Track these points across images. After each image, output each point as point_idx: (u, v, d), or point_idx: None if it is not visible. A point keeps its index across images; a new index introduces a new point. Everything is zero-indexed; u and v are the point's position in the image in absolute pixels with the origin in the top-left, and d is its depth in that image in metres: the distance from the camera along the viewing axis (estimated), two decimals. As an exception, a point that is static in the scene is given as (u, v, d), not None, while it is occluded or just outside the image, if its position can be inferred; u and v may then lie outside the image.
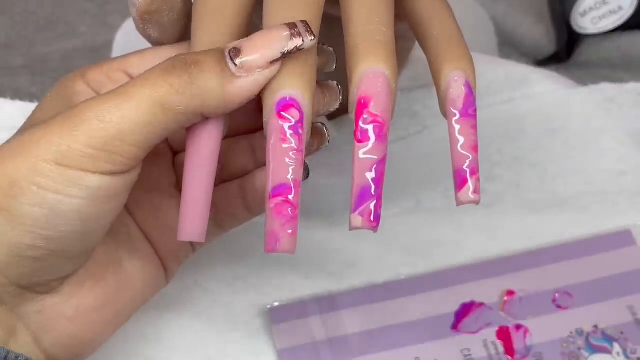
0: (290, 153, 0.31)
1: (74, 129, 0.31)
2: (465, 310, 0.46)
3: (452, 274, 0.48)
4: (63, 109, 0.33)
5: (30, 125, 0.35)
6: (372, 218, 0.31)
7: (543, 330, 0.46)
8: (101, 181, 0.32)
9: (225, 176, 0.39)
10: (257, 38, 0.32)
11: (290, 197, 0.30)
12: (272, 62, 0.32)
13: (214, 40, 0.34)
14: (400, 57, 0.34)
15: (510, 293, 0.47)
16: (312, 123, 0.35)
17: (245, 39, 0.32)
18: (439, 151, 0.51)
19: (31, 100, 0.51)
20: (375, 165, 0.31)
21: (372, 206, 0.31)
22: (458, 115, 0.33)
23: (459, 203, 0.33)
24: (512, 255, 0.48)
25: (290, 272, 0.48)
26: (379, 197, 0.31)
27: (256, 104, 0.33)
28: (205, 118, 0.33)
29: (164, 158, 0.39)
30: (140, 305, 0.39)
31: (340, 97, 0.37)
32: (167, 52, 0.37)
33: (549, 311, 0.46)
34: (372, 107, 0.31)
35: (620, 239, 0.49)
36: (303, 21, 0.32)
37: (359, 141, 0.31)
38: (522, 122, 0.52)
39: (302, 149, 0.31)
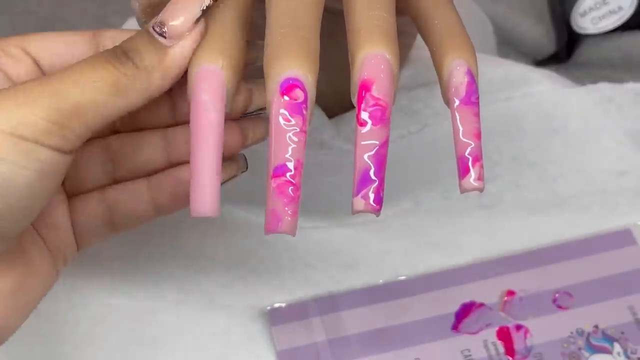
0: (293, 133, 0.31)
1: (31, 101, 0.31)
2: (466, 310, 0.46)
3: (452, 274, 0.47)
4: None
5: None
6: (373, 201, 0.31)
7: (543, 330, 0.45)
8: (52, 156, 0.32)
9: (129, 172, 0.39)
10: (173, 3, 0.33)
11: (292, 176, 0.30)
12: (196, 21, 0.33)
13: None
14: (401, 53, 0.34)
15: (511, 293, 0.47)
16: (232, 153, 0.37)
17: (164, 8, 0.34)
18: (439, 150, 0.50)
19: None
20: (377, 149, 0.31)
21: (374, 189, 0.31)
22: (460, 103, 0.33)
23: (463, 190, 0.33)
24: (512, 255, 0.48)
25: (290, 274, 0.47)
26: (381, 180, 0.31)
27: (170, 98, 0.36)
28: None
29: None
30: (43, 294, 0.38)
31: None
32: (69, 37, 0.37)
33: (549, 311, 0.46)
34: (374, 91, 0.31)
35: (621, 238, 0.49)
36: None
37: (361, 125, 0.31)
38: (521, 122, 0.52)
39: (305, 130, 0.31)
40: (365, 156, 0.31)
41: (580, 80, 0.56)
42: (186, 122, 0.36)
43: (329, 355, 0.45)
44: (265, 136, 0.39)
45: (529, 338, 0.45)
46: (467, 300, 0.46)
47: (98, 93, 0.32)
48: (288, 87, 0.31)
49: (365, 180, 0.31)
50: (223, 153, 0.33)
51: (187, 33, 0.33)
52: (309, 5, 0.33)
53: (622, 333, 0.45)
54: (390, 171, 0.33)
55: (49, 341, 0.45)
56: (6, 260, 0.35)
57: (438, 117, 0.51)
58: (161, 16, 0.34)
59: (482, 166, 0.32)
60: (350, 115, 0.52)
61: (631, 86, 0.53)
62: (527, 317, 0.46)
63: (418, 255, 0.48)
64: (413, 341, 0.45)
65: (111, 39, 0.37)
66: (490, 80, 0.53)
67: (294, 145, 0.30)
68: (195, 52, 0.34)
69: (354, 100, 0.32)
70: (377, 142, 0.31)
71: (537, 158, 0.51)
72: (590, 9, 0.58)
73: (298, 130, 0.31)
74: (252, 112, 0.38)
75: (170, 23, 0.33)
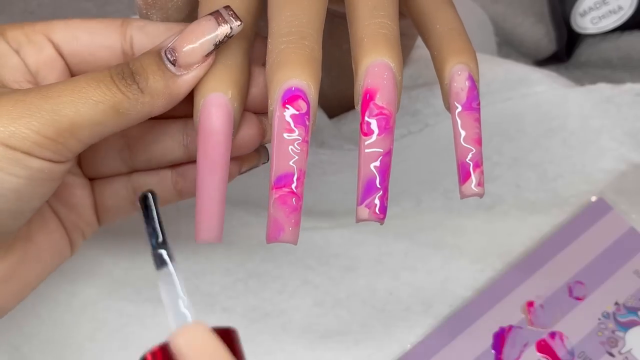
0: (296, 144, 0.31)
1: (27, 114, 0.32)
2: (500, 340, 0.46)
3: (468, 311, 0.47)
4: None
5: None
6: (378, 210, 0.31)
7: (575, 327, 0.46)
8: (42, 165, 0.32)
9: (147, 161, 0.40)
10: (188, 34, 0.34)
11: (295, 187, 0.30)
12: (207, 55, 0.33)
13: None
14: (402, 54, 0.34)
15: (530, 304, 0.47)
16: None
17: (178, 36, 0.34)
18: (440, 150, 0.50)
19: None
20: (381, 158, 0.31)
21: (378, 198, 0.31)
22: (461, 109, 0.33)
23: (463, 196, 0.33)
24: (513, 267, 0.48)
25: (290, 276, 0.47)
26: (385, 190, 0.31)
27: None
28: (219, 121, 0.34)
29: None
30: (45, 276, 0.39)
31: None
32: (95, 25, 0.37)
33: (571, 306, 0.46)
34: (378, 100, 0.31)
35: (597, 209, 0.49)
36: (227, 7, 0.34)
37: (365, 134, 0.31)
38: (521, 122, 0.52)
39: (307, 140, 0.31)
40: (370, 165, 0.31)
41: (580, 80, 0.56)
42: None
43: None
44: None
45: (566, 341, 0.45)
46: (495, 328, 0.46)
47: (98, 113, 0.32)
48: (291, 97, 0.31)
49: (369, 190, 0.31)
50: (243, 149, 0.34)
51: (197, 65, 0.33)
52: (312, 14, 0.33)
53: (640, 300, 0.46)
54: (391, 171, 0.33)
55: (49, 344, 0.45)
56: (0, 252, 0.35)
57: (439, 117, 0.51)
58: (174, 42, 0.34)
59: (482, 172, 0.33)
60: (351, 115, 0.52)
61: (630, 86, 0.53)
62: (556, 321, 0.46)
63: (418, 256, 0.48)
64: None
65: (139, 29, 0.37)
66: (490, 80, 0.53)
67: (296, 157, 0.31)
68: (203, 79, 0.34)
69: (358, 109, 0.32)
70: (382, 151, 0.31)
71: (537, 158, 0.51)
72: (590, 9, 0.58)
73: (300, 140, 0.31)
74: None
75: (182, 54, 0.33)
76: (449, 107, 0.34)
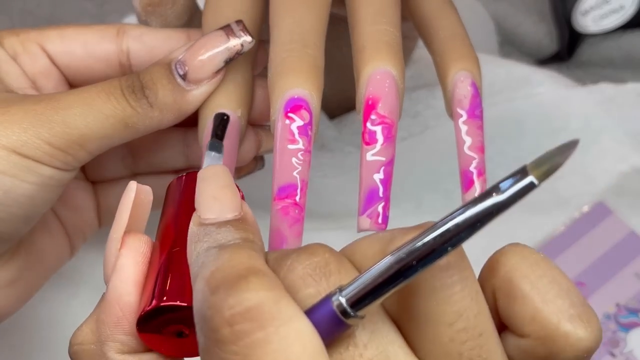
0: (299, 154, 0.30)
1: (38, 125, 0.32)
2: None
3: None
4: None
5: None
6: (380, 220, 0.31)
7: None
8: (53, 172, 0.33)
9: (149, 167, 0.40)
10: (198, 47, 0.33)
11: (297, 198, 0.30)
12: (218, 71, 0.33)
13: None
14: (403, 56, 0.34)
15: None
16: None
17: (188, 49, 0.34)
18: (440, 152, 0.50)
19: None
20: (383, 167, 0.31)
21: (380, 208, 0.31)
22: (465, 116, 0.33)
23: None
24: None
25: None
26: (387, 199, 0.31)
27: None
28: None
29: None
30: (48, 278, 0.39)
31: None
32: (90, 36, 0.37)
33: None
34: (380, 108, 0.31)
35: (597, 213, 0.49)
36: (238, 21, 0.33)
37: (367, 143, 0.31)
38: (522, 123, 0.52)
39: (310, 150, 0.31)
40: (372, 175, 0.31)
41: (582, 80, 0.56)
42: None
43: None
44: None
45: None
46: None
47: (107, 127, 0.32)
48: (293, 107, 0.31)
49: (371, 199, 0.31)
50: (239, 162, 0.35)
51: (207, 80, 0.33)
52: (314, 21, 0.32)
53: None
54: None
55: (49, 345, 0.45)
56: (5, 256, 0.35)
57: (440, 119, 0.51)
58: (184, 55, 0.33)
59: (485, 180, 0.32)
60: (352, 117, 0.52)
61: (632, 86, 0.52)
62: None
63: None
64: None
65: (136, 38, 0.37)
66: (492, 81, 0.52)
67: (299, 167, 0.30)
68: (212, 95, 0.34)
69: (360, 117, 0.32)
70: (384, 160, 0.31)
71: (538, 159, 0.51)
72: (592, 8, 0.58)
73: (303, 150, 0.30)
74: None
75: (191, 68, 0.33)
76: (451, 114, 0.34)
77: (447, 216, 0.23)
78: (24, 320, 0.45)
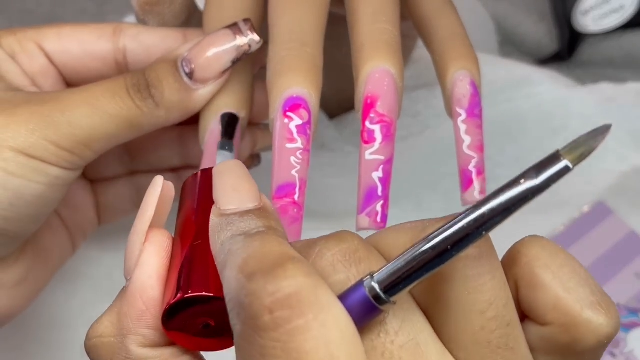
0: (298, 153, 0.30)
1: (44, 126, 0.32)
2: None
3: None
4: None
5: None
6: (379, 219, 0.31)
7: None
8: (60, 172, 0.33)
9: (146, 166, 0.40)
10: (205, 45, 0.33)
11: (296, 197, 0.30)
12: (224, 71, 0.33)
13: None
14: (403, 56, 0.34)
15: None
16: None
17: (195, 47, 0.33)
18: (440, 151, 0.50)
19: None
20: (382, 166, 0.31)
21: (379, 207, 0.31)
22: (464, 116, 0.33)
23: (465, 203, 0.33)
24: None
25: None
26: (386, 198, 0.31)
27: None
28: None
29: None
30: (52, 277, 0.39)
31: None
32: (87, 35, 0.37)
33: None
34: (379, 107, 0.31)
35: (597, 213, 0.49)
36: (247, 20, 0.33)
37: (366, 142, 0.31)
38: (523, 122, 0.52)
39: (309, 149, 0.31)
40: (371, 174, 0.31)
41: (582, 79, 0.55)
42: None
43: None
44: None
45: None
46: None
47: (113, 127, 0.33)
48: (292, 106, 0.31)
49: (370, 198, 0.31)
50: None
51: (213, 80, 0.33)
52: (313, 20, 0.32)
53: None
54: (392, 172, 0.32)
55: (49, 345, 0.45)
56: (12, 256, 0.36)
57: (439, 119, 0.51)
58: (190, 53, 0.33)
59: (484, 179, 0.32)
60: (351, 117, 0.52)
61: (632, 86, 0.52)
62: None
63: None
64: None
65: (133, 38, 0.37)
66: (492, 81, 0.52)
67: (298, 166, 0.30)
68: (218, 95, 0.34)
69: (359, 116, 0.32)
70: (383, 158, 0.31)
71: (538, 159, 0.51)
72: (592, 8, 0.58)
73: (302, 149, 0.30)
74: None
75: (198, 67, 0.33)
76: (451, 113, 0.34)
77: (482, 200, 0.23)
78: (24, 320, 0.45)
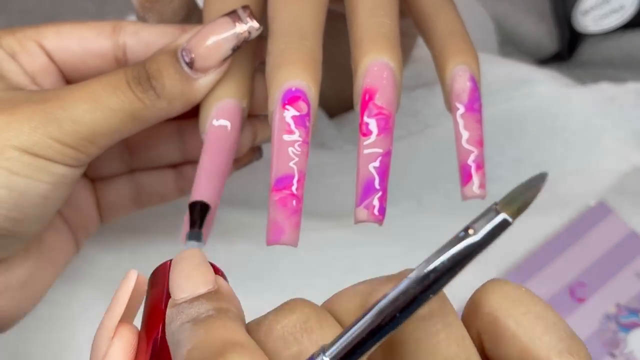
0: (296, 145, 0.30)
1: (46, 123, 0.32)
2: None
3: None
4: None
5: None
6: (377, 211, 0.30)
7: (577, 329, 0.45)
8: (65, 170, 0.33)
9: (146, 162, 0.40)
10: (204, 34, 0.33)
11: (295, 189, 0.30)
12: (225, 59, 0.33)
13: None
14: (402, 54, 0.34)
15: None
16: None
17: (194, 36, 0.33)
18: (440, 151, 0.50)
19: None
20: (380, 158, 0.31)
21: (377, 199, 0.30)
22: (463, 110, 0.33)
23: (465, 198, 0.32)
24: (514, 269, 0.48)
25: (290, 278, 0.47)
26: (384, 190, 0.31)
27: None
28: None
29: None
30: (56, 277, 0.39)
31: None
32: (86, 32, 0.37)
33: (573, 308, 0.46)
34: (378, 99, 0.31)
35: (598, 212, 0.49)
36: (245, 7, 0.33)
37: (364, 134, 0.31)
38: (523, 122, 0.52)
39: (308, 141, 0.31)
40: (369, 166, 0.31)
41: (582, 79, 0.55)
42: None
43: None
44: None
45: None
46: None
47: (115, 121, 0.33)
48: (291, 98, 0.31)
49: (368, 191, 0.30)
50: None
51: (214, 69, 0.33)
52: (312, 14, 0.33)
53: (641, 301, 0.46)
54: (391, 172, 0.32)
55: (49, 346, 0.45)
56: (17, 257, 0.36)
57: (439, 118, 0.51)
58: (190, 42, 0.33)
59: (484, 174, 0.32)
60: (351, 116, 0.52)
61: (632, 86, 0.52)
62: None
63: (419, 257, 0.48)
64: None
65: (132, 34, 0.37)
66: (491, 80, 0.52)
67: (296, 158, 0.30)
68: (219, 85, 0.34)
69: (357, 109, 0.32)
70: (381, 151, 0.31)
71: (538, 158, 0.51)
72: (592, 8, 0.58)
73: (301, 141, 0.30)
74: None
75: (198, 56, 0.33)
76: (450, 108, 0.34)
77: (425, 262, 0.23)
78: (24, 320, 0.45)
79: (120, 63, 0.37)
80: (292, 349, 0.23)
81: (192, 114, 0.35)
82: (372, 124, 0.31)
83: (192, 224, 0.33)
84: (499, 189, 0.49)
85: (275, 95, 0.31)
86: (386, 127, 0.31)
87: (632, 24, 0.58)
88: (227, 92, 0.34)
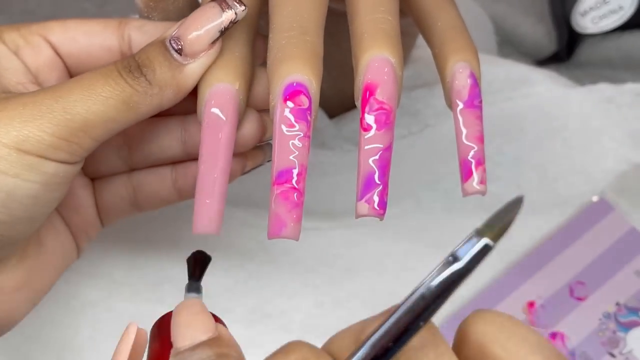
0: (297, 139, 0.30)
1: (38, 116, 0.31)
2: None
3: (469, 311, 0.47)
4: None
5: None
6: (377, 205, 0.30)
7: (576, 328, 0.46)
8: (57, 168, 0.32)
9: (145, 158, 0.39)
10: (192, 21, 0.33)
11: (296, 183, 0.30)
12: (213, 42, 0.33)
13: None
14: (403, 54, 0.34)
15: (531, 304, 0.46)
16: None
17: (182, 24, 0.33)
18: (440, 150, 0.50)
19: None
20: (380, 153, 0.31)
21: (377, 194, 0.30)
22: (463, 106, 0.33)
23: (465, 194, 0.32)
24: (514, 267, 0.48)
25: (290, 277, 0.47)
26: (385, 185, 0.31)
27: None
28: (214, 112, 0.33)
29: None
30: (55, 281, 0.39)
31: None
32: (92, 26, 0.37)
33: (572, 307, 0.46)
34: (379, 94, 0.31)
35: (600, 209, 0.49)
36: None
37: (365, 129, 0.31)
38: (522, 122, 0.52)
39: (309, 135, 0.31)
40: (370, 160, 0.31)
41: (581, 80, 0.56)
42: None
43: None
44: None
45: (567, 341, 0.45)
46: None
47: (108, 109, 0.32)
48: (292, 92, 0.31)
49: (369, 185, 0.31)
50: (243, 145, 0.34)
51: (204, 53, 0.33)
52: (313, 9, 0.33)
53: (640, 300, 0.46)
54: (391, 171, 0.32)
55: (49, 346, 0.45)
56: (12, 260, 0.35)
57: (439, 117, 0.51)
58: (178, 31, 0.33)
59: (484, 170, 0.32)
60: (351, 115, 0.52)
61: (631, 86, 0.53)
62: (557, 322, 0.46)
63: (419, 257, 0.48)
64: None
65: (137, 28, 0.37)
66: (491, 81, 0.53)
67: (297, 152, 0.30)
68: (210, 69, 0.34)
69: (358, 104, 0.32)
70: (382, 146, 0.31)
71: (537, 159, 0.51)
72: (591, 9, 0.58)
73: (302, 135, 0.30)
74: None
75: (187, 42, 0.33)
76: (450, 105, 0.34)
77: (412, 292, 0.23)
78: (24, 320, 0.45)
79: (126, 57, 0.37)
80: None
81: (192, 109, 0.35)
82: (373, 119, 0.31)
83: (192, 274, 0.33)
84: (499, 189, 0.50)
85: (277, 89, 0.31)
86: (387, 122, 0.31)
87: (630, 24, 0.58)
88: (218, 76, 0.33)
